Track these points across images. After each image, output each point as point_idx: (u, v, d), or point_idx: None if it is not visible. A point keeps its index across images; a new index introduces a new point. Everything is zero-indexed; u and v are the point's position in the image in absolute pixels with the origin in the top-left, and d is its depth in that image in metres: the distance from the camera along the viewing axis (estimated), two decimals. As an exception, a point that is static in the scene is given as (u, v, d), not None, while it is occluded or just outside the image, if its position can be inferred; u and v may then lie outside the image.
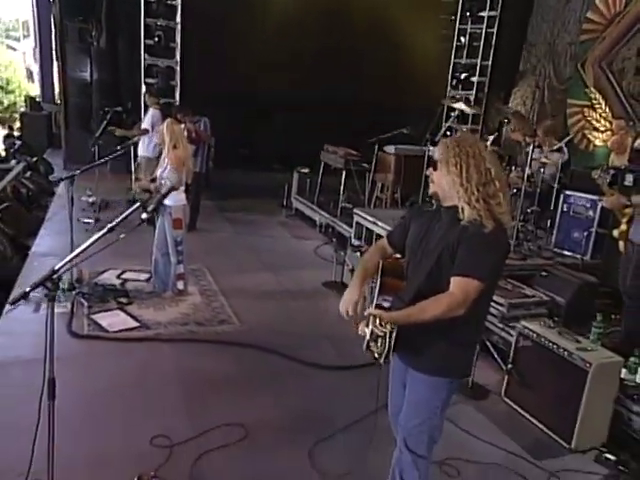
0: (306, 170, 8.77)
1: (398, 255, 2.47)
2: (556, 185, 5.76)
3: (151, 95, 7.80)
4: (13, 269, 5.57)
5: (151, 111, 7.53)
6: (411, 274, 2.30)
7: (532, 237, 5.59)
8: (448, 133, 7.03)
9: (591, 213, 5.24)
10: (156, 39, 9.61)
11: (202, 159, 7.25)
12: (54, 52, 14.50)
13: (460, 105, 6.77)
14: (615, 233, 4.25)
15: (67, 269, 2.02)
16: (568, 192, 5.49)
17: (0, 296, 4.97)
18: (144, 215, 2.11)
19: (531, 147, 5.30)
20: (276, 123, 10.63)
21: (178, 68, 9.71)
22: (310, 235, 7.89)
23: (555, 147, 6.01)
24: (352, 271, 5.63)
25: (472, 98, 10.77)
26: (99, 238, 2.01)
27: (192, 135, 6.56)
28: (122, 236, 2.02)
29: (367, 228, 6.36)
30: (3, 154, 14.14)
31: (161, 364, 4.06)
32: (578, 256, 5.24)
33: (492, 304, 4.42)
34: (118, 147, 5.14)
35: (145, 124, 7.34)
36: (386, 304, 2.27)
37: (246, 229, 7.80)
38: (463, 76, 10.70)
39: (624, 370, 3.61)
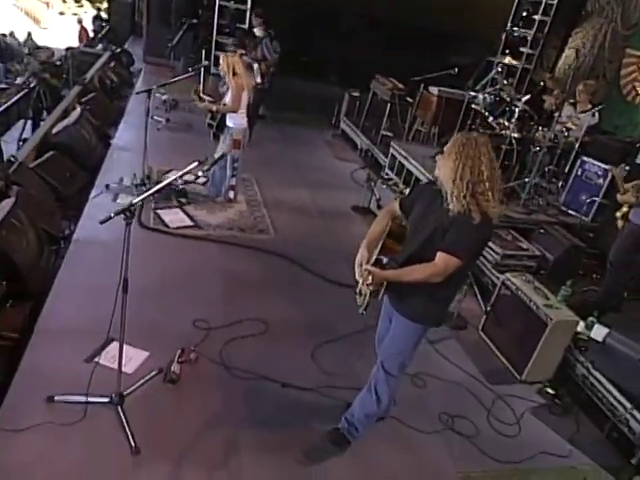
0: (357, 93, 8.72)
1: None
2: (577, 147, 5.76)
3: (257, 16, 7.81)
4: (97, 158, 5.99)
5: (256, 31, 7.64)
6: (408, 241, 2.60)
7: (544, 193, 5.72)
8: (495, 78, 6.89)
9: (601, 181, 5.27)
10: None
11: (267, 78, 7.34)
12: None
13: (504, 59, 6.64)
14: (618, 214, 4.32)
15: (142, 204, 2.48)
16: (585, 158, 5.48)
17: (87, 180, 5.53)
18: (200, 173, 2.52)
19: (558, 112, 5.31)
20: (339, 38, 10.44)
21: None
22: (351, 157, 7.97)
23: (587, 112, 5.93)
24: (379, 201, 5.94)
25: (530, 38, 10.25)
26: (165, 186, 2.46)
27: (262, 70, 6.76)
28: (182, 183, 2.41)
29: (400, 162, 6.55)
30: (92, 35, 14.43)
31: (207, 261, 4.51)
32: (580, 217, 5.36)
33: (489, 251, 4.78)
34: (189, 69, 5.38)
35: None
36: (384, 260, 2.59)
37: (294, 144, 7.92)
38: (525, 13, 10.11)
39: (582, 324, 3.93)
